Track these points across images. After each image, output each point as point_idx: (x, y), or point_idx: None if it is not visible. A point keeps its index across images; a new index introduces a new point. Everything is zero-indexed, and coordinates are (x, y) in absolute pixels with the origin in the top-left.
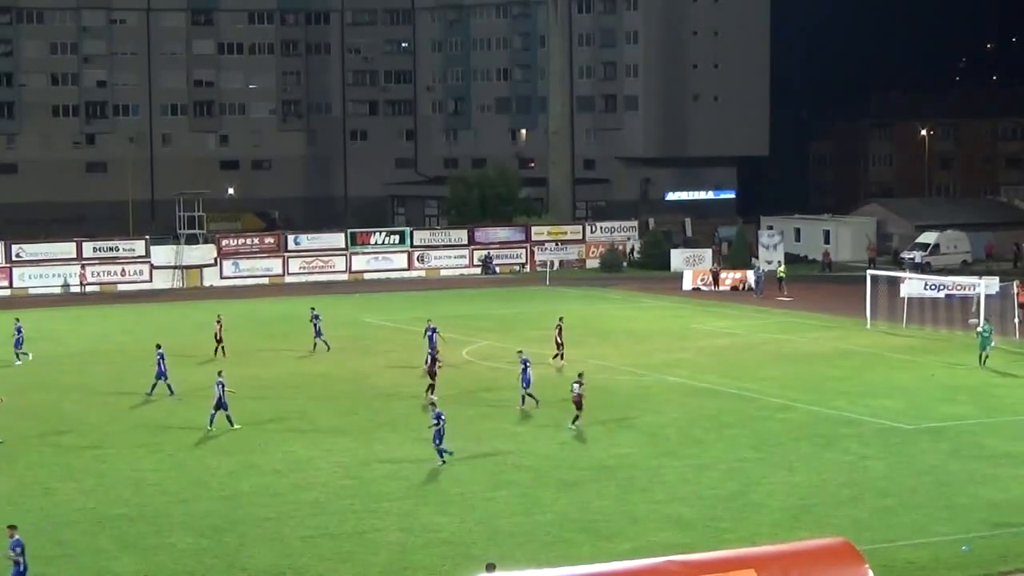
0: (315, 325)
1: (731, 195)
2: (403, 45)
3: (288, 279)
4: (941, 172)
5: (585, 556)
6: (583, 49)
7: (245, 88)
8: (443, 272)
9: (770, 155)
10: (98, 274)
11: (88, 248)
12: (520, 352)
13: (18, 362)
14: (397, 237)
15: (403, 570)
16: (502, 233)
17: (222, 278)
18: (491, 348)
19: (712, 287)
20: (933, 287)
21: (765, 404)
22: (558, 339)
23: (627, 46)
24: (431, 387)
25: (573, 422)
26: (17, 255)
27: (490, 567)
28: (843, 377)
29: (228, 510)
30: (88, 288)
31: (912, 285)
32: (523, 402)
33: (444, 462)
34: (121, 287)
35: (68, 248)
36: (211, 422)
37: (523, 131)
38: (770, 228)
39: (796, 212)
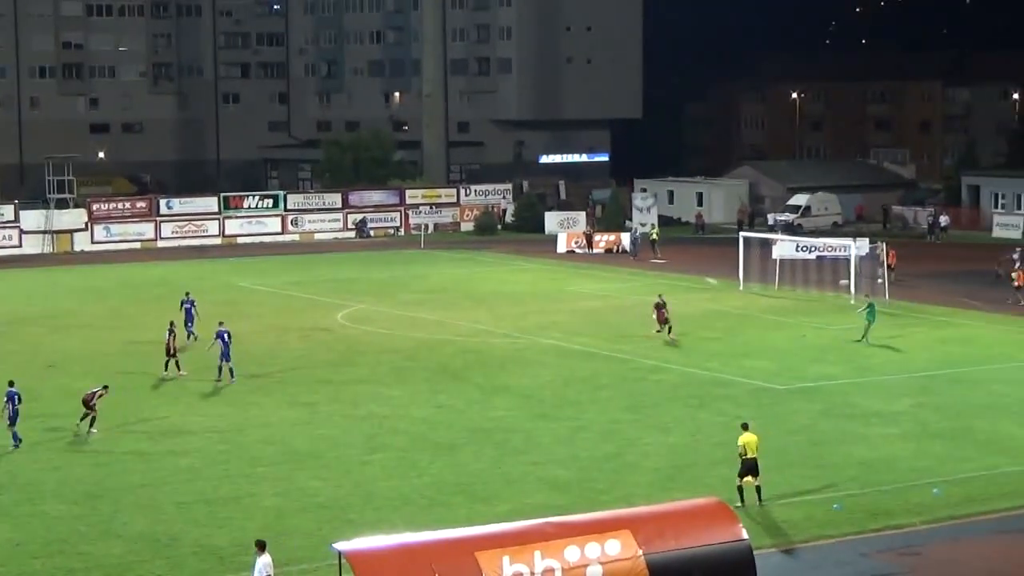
0: (188, 311)
1: (605, 158)
2: (275, 7)
3: (161, 243)
4: (813, 134)
5: (462, 519)
6: (456, 12)
7: (115, 50)
8: (317, 236)
9: (644, 118)
10: None
11: None
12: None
13: None
14: (271, 201)
15: (279, 535)
16: (376, 196)
17: (93, 243)
18: (366, 312)
19: (586, 249)
20: (805, 249)
21: (639, 366)
22: (661, 315)
23: (500, 8)
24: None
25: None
26: None
27: (260, 545)
28: (716, 338)
29: (101, 477)
30: None
31: (784, 247)
32: (219, 374)
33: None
34: None
35: None
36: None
37: (396, 94)
38: (643, 191)
39: (670, 175)
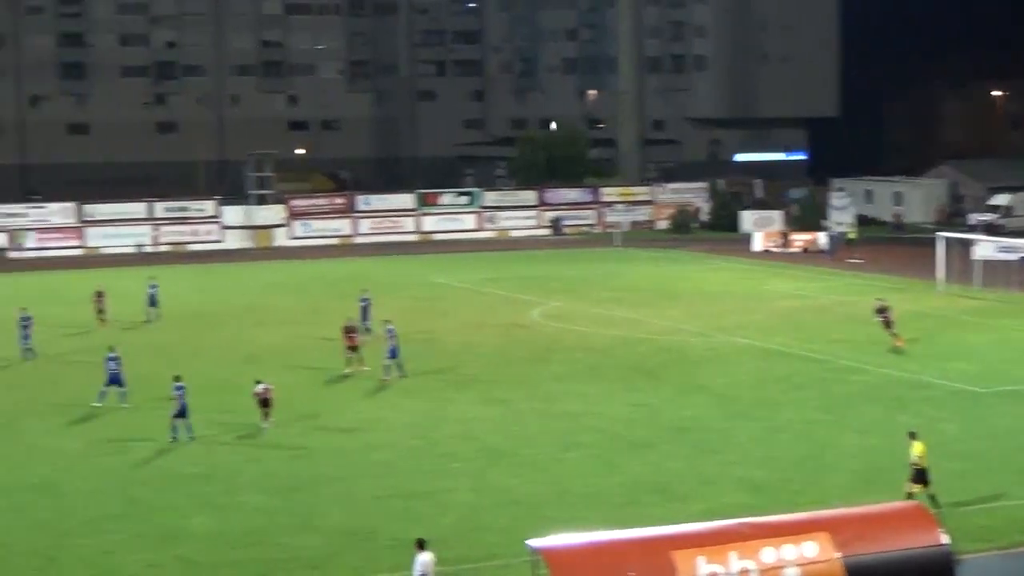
0: (364, 309)
1: (802, 156)
2: (470, 5)
3: (357, 240)
4: (1014, 133)
5: (657, 517)
6: (652, 9)
7: (313, 48)
8: (512, 233)
9: (842, 116)
10: (169, 234)
11: (159, 208)
12: (387, 322)
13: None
14: (466, 198)
15: (473, 530)
16: (571, 194)
17: (292, 238)
18: (561, 309)
19: (782, 249)
20: (1007, 249)
21: (836, 366)
22: (886, 319)
23: (696, 6)
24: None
25: None
26: (89, 215)
27: (419, 543)
28: (915, 340)
29: (300, 469)
30: (160, 248)
31: (985, 248)
32: (387, 372)
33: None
34: (192, 247)
35: (139, 208)
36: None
37: (591, 92)
38: (840, 190)
39: (867, 174)
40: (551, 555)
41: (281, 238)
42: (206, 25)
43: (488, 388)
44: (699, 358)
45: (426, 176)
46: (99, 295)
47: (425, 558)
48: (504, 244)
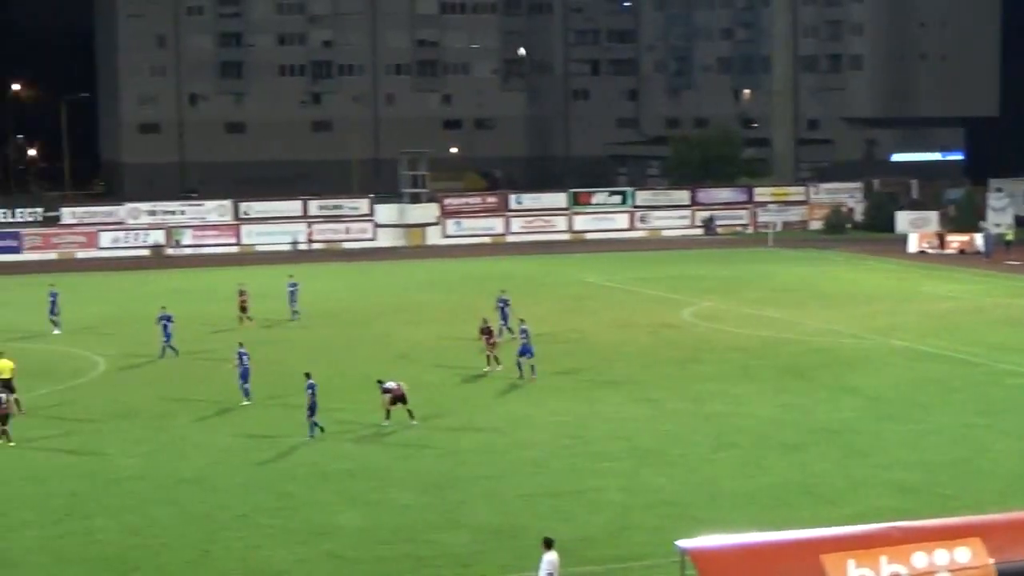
0: (502, 309)
1: (959, 156)
2: (625, 4)
3: (510, 238)
4: None
5: (806, 520)
6: (808, 8)
7: (468, 48)
8: (665, 233)
9: (1001, 115)
10: (323, 232)
11: (313, 206)
12: (522, 321)
13: (56, 331)
14: (619, 197)
15: (623, 530)
16: (724, 194)
17: (445, 237)
18: (712, 309)
19: (938, 250)
20: None
21: (993, 370)
22: None
23: (853, 4)
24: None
25: None
26: (245, 213)
27: (547, 542)
28: None
29: (449, 467)
30: (313, 246)
31: None
32: (520, 371)
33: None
34: (345, 245)
35: (294, 206)
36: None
37: (746, 91)
38: (999, 190)
39: None
40: (699, 556)
41: (434, 236)
42: (362, 24)
43: (638, 388)
44: (851, 359)
45: (579, 175)
46: (242, 293)
47: (552, 557)
48: (656, 244)
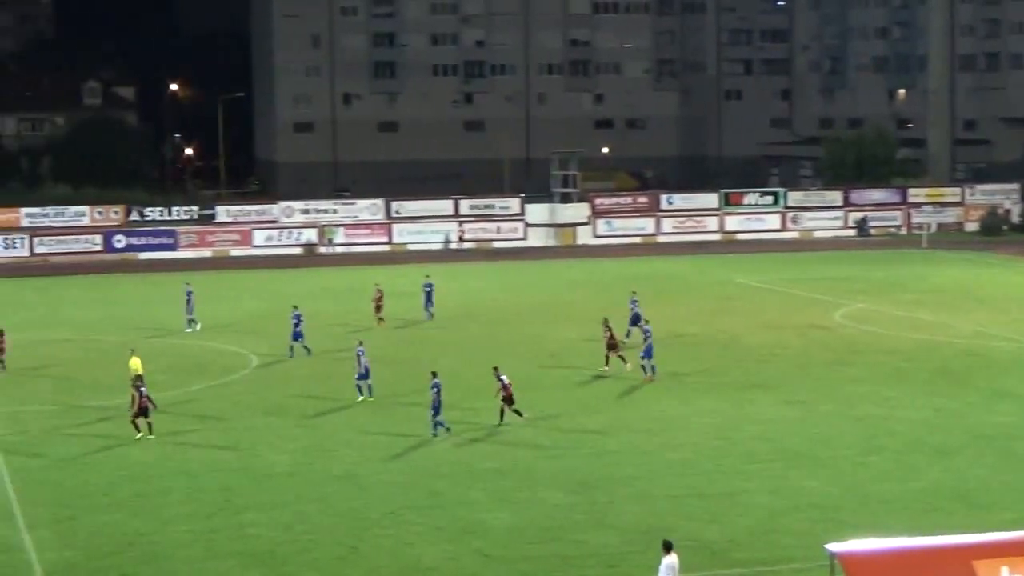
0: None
1: None
2: (779, 3)
3: (660, 239)
4: None
5: (959, 526)
6: (965, 6)
7: (620, 47)
8: (817, 234)
9: None
10: (474, 231)
11: (465, 205)
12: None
13: (190, 328)
14: (771, 198)
15: (770, 533)
16: (878, 195)
17: (595, 237)
18: (864, 311)
19: None
20: None
21: None
22: None
23: (1012, 3)
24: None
25: None
26: (397, 212)
27: (666, 546)
28: None
29: (597, 467)
30: (463, 245)
31: None
32: (645, 372)
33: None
34: (496, 244)
35: (445, 205)
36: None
37: (901, 91)
38: None
39: None
40: (849, 560)
41: (584, 236)
42: (515, 24)
43: (787, 390)
44: (1006, 363)
45: (730, 175)
46: (378, 293)
47: (671, 561)
48: (808, 244)
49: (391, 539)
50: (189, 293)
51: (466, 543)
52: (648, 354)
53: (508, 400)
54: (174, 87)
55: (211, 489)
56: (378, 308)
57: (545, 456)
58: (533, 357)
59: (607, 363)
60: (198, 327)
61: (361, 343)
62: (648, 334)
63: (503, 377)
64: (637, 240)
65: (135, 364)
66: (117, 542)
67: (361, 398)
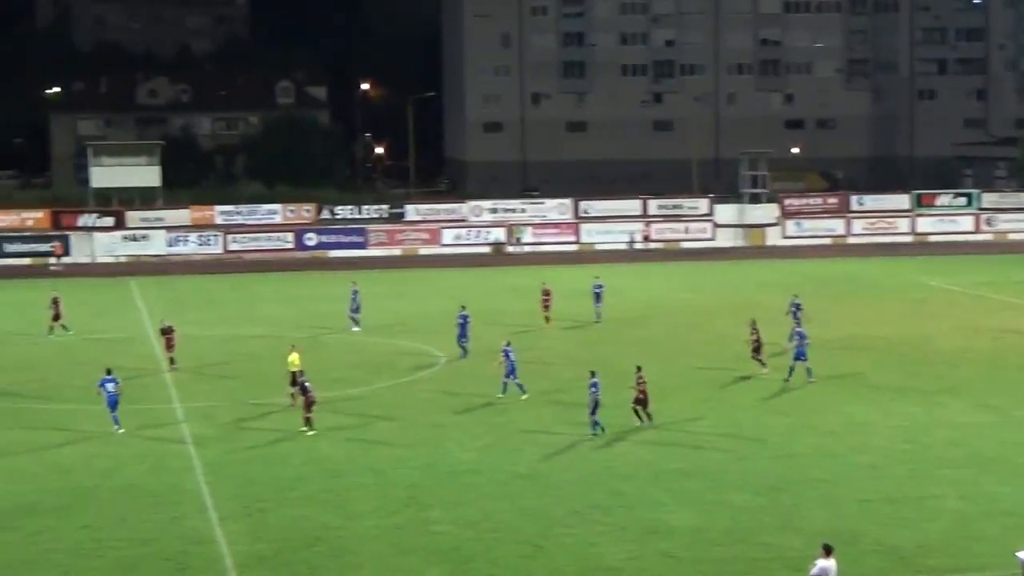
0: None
1: None
2: (975, 1)
3: (851, 240)
4: None
5: None
6: None
7: (811, 47)
8: (1012, 236)
9: None
10: (662, 231)
11: (653, 205)
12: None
13: (356, 328)
14: (964, 199)
15: (961, 539)
16: None
17: (784, 238)
18: None
19: None
20: None
21: None
22: None
23: None
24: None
25: None
26: (585, 211)
27: (826, 548)
28: None
29: (784, 470)
30: (651, 245)
31: None
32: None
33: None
34: (684, 245)
35: (633, 205)
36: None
37: None
38: None
39: None
40: None
41: (773, 237)
42: (704, 24)
43: (980, 394)
44: None
45: (922, 176)
46: (546, 293)
47: (827, 564)
48: (1003, 247)
49: (575, 538)
50: (355, 293)
51: (650, 544)
52: (801, 356)
53: (642, 402)
54: (365, 87)
55: (398, 485)
56: (545, 307)
57: (731, 458)
58: (718, 358)
59: (764, 365)
60: (355, 329)
61: (508, 342)
62: (802, 337)
63: (641, 376)
64: (827, 241)
65: (294, 360)
66: (306, 536)
67: (502, 395)
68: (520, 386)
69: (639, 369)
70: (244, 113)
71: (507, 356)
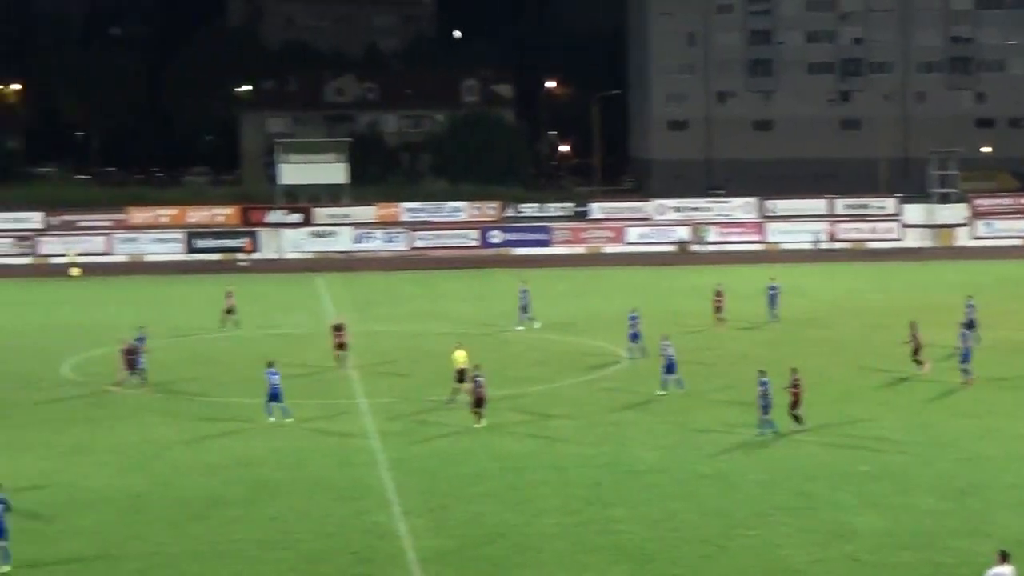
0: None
1: None
2: None
3: None
4: None
5: None
6: None
7: (1003, 44)
8: None
9: None
10: (847, 231)
11: (839, 205)
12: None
13: (519, 327)
14: None
15: None
16: None
17: (974, 238)
18: None
19: None
20: None
21: None
22: None
23: None
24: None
25: None
26: (770, 210)
27: (1003, 555)
28: None
29: (972, 474)
30: (836, 245)
31: None
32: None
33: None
34: (870, 245)
35: (819, 205)
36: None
37: None
38: None
39: None
40: None
41: (963, 238)
42: (893, 22)
43: None
44: None
45: None
46: (718, 293)
47: (1004, 571)
48: None
49: (758, 539)
50: (524, 291)
51: (835, 547)
52: (966, 358)
53: (792, 403)
54: (550, 85)
55: (580, 483)
56: (717, 309)
57: (916, 460)
58: (902, 360)
59: (922, 365)
60: (536, 325)
61: (666, 336)
62: (967, 338)
63: (796, 379)
64: (1019, 242)
65: (460, 357)
66: (488, 532)
67: (663, 392)
68: (679, 382)
69: (794, 370)
70: (430, 111)
71: (665, 352)
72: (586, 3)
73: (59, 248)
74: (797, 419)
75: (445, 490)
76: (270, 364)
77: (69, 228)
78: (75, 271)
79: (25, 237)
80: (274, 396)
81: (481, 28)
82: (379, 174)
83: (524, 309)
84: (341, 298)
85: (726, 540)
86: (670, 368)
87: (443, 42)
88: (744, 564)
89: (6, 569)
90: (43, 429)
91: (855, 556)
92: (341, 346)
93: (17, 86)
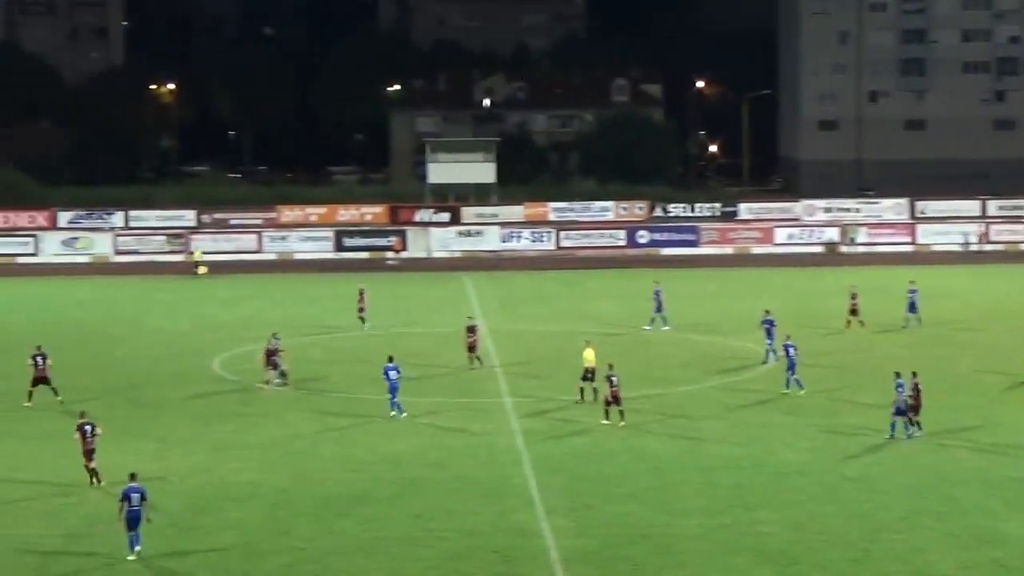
0: None
1: None
2: None
3: None
4: None
5: None
6: None
7: None
8: None
9: None
10: (1001, 233)
11: (992, 206)
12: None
13: (647, 327)
14: None
15: None
16: None
17: None
18: None
19: None
20: None
21: None
22: None
23: None
24: None
25: None
26: (921, 212)
27: None
28: None
29: None
30: (988, 246)
31: None
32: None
33: None
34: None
35: (971, 206)
36: None
37: None
38: None
39: None
40: None
41: None
42: None
43: None
44: None
45: None
46: (853, 296)
47: None
48: None
49: (904, 544)
50: (657, 292)
51: (982, 552)
52: None
53: (913, 408)
54: (700, 84)
55: (724, 485)
56: (854, 311)
57: None
58: None
59: None
60: (665, 328)
61: (788, 337)
62: None
63: (917, 383)
64: None
65: (589, 356)
66: (630, 533)
67: (786, 391)
68: (797, 381)
69: (915, 375)
70: (579, 111)
71: (788, 352)
72: (736, 2)
73: (210, 246)
74: (916, 424)
75: (588, 490)
76: (390, 359)
77: (220, 227)
78: (202, 269)
79: (178, 235)
80: (393, 391)
81: (631, 27)
82: (527, 173)
83: (657, 310)
84: (488, 297)
85: (871, 544)
86: (791, 368)
87: (592, 41)
88: (890, 569)
89: (133, 557)
90: (193, 424)
91: (1002, 562)
92: (471, 347)
93: (171, 86)
